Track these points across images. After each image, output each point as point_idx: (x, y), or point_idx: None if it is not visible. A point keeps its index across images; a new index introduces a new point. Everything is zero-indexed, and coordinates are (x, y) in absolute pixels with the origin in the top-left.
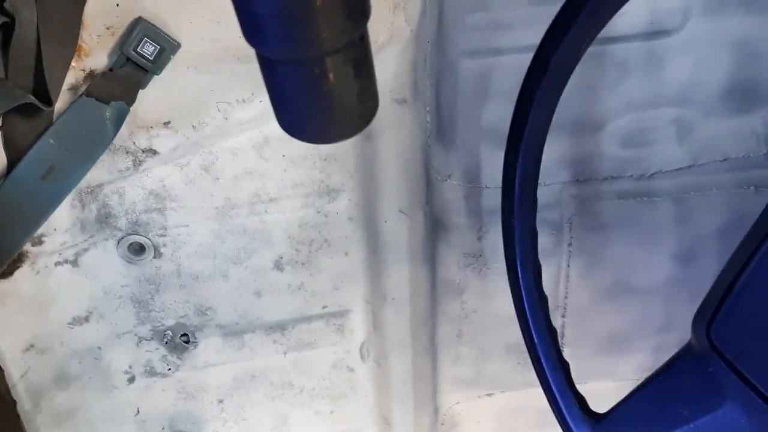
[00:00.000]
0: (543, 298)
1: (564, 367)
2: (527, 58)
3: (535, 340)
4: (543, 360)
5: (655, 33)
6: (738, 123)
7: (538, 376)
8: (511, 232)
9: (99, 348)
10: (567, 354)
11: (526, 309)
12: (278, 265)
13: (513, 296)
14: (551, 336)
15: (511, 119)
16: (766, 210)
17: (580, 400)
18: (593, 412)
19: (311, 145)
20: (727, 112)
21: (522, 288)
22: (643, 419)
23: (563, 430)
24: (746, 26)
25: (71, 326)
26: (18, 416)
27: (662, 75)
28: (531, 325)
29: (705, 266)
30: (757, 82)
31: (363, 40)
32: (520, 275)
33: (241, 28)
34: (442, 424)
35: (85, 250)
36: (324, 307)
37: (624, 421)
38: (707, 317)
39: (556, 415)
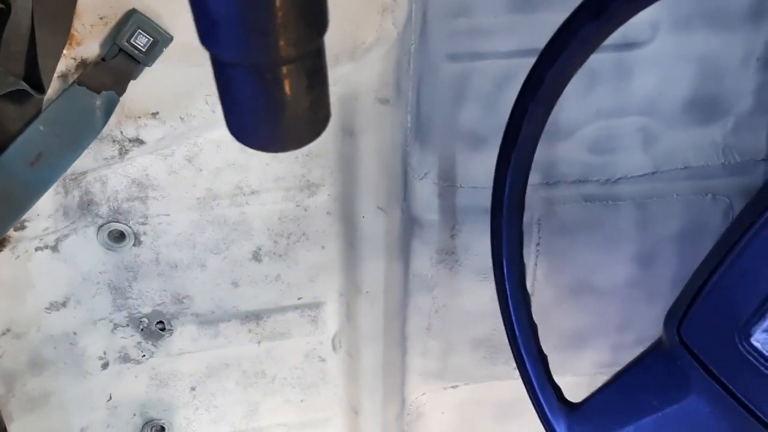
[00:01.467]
0: (526, 296)
1: (543, 360)
2: (506, 63)
3: (517, 334)
4: (524, 353)
5: (625, 45)
6: (699, 134)
7: (518, 367)
8: (500, 234)
9: (75, 333)
10: None
11: (510, 306)
12: (256, 256)
13: (498, 293)
14: (532, 331)
15: (505, 128)
16: (734, 222)
17: (557, 391)
18: (569, 401)
19: None
20: (690, 123)
21: (507, 286)
22: (615, 408)
23: (540, 418)
24: (711, 43)
25: (48, 311)
26: None
27: (630, 85)
28: (514, 320)
29: (663, 269)
30: (718, 96)
31: (319, 53)
32: (506, 274)
33: (197, 28)
34: (408, 414)
35: (66, 236)
36: (299, 298)
37: (597, 410)
38: (678, 316)
39: (534, 404)
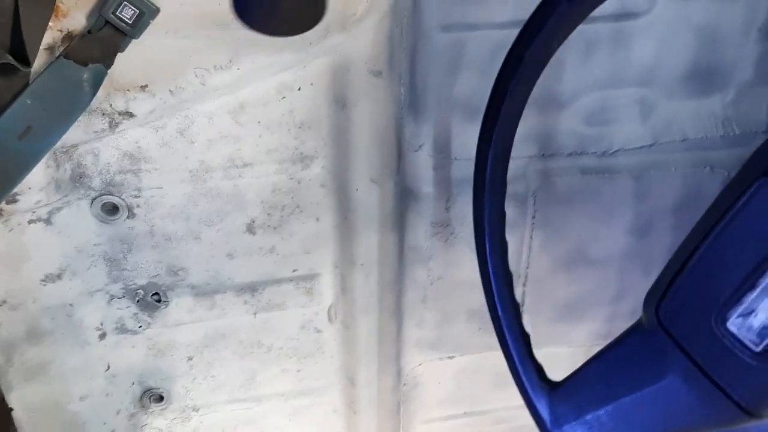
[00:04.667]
0: (508, 274)
1: (525, 339)
2: (499, 34)
3: (500, 313)
4: (506, 331)
5: (623, 15)
6: (698, 105)
7: (501, 346)
8: (482, 212)
9: (71, 305)
10: (526, 321)
11: (493, 284)
12: (250, 229)
13: (481, 272)
14: (514, 309)
15: (486, 107)
16: (713, 204)
17: (539, 369)
18: (550, 380)
19: (285, 112)
20: (688, 94)
21: (489, 265)
22: (595, 387)
23: (522, 396)
24: (710, 11)
25: (44, 283)
26: None
27: (628, 56)
28: (496, 299)
29: (659, 241)
30: (717, 66)
31: None
32: (488, 253)
33: None
34: (405, 384)
35: (59, 209)
36: (294, 270)
37: (578, 389)
38: (657, 297)
39: (516, 383)
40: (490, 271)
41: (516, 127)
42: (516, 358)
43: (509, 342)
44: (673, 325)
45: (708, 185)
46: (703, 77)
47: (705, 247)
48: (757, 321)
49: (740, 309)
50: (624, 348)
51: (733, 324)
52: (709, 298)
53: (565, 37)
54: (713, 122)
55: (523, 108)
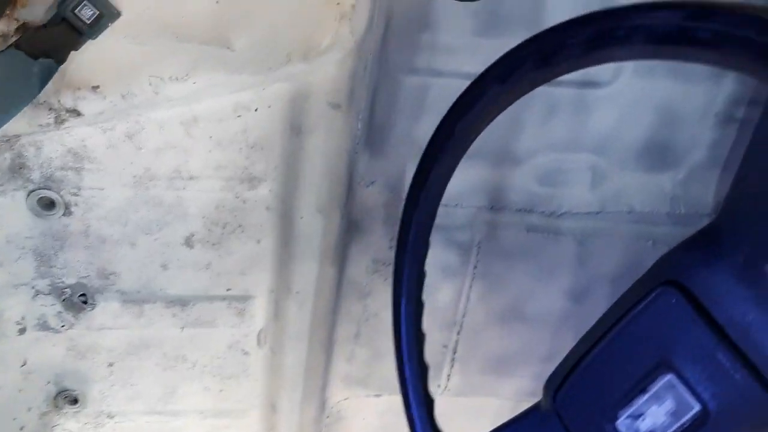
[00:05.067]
0: (420, 336)
1: (428, 403)
2: (464, 84)
3: (407, 376)
4: (410, 394)
5: (587, 83)
6: (648, 180)
7: (404, 407)
8: (401, 272)
9: None
10: (457, 369)
11: (404, 345)
12: (189, 242)
13: (393, 331)
14: (422, 373)
15: (415, 172)
16: (621, 298)
17: None
18: None
19: (239, 130)
20: (640, 167)
21: (402, 327)
22: None
23: None
24: (671, 92)
25: None
26: None
27: (587, 122)
28: (405, 360)
29: (594, 307)
30: (672, 145)
31: None
32: (402, 314)
33: None
34: (328, 416)
35: None
36: (228, 289)
37: None
38: (557, 383)
39: None
40: (402, 332)
41: (442, 194)
42: (417, 422)
43: (412, 404)
44: (568, 415)
45: (649, 259)
46: (657, 153)
47: (605, 343)
48: (644, 425)
49: (630, 410)
50: (521, 427)
51: (623, 424)
52: (603, 395)
53: (496, 115)
54: (661, 198)
55: (450, 176)
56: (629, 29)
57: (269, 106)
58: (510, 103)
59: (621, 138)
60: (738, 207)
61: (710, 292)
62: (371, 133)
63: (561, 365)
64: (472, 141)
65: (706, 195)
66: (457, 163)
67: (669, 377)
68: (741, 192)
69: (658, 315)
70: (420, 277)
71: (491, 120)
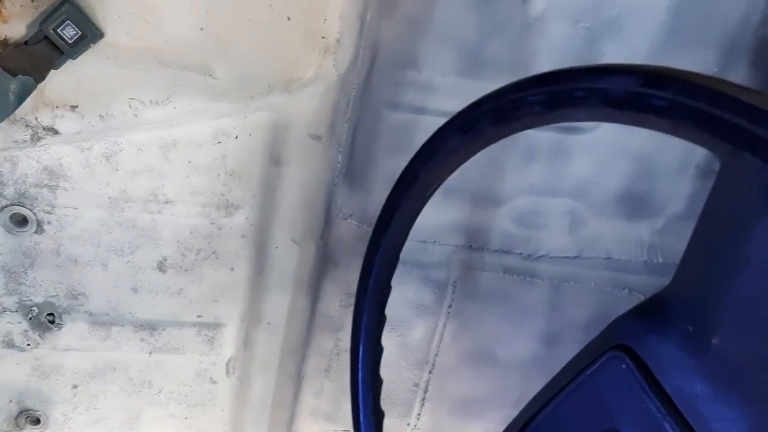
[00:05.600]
0: (377, 382)
1: None
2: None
3: (361, 419)
4: None
5: (569, 128)
6: (626, 228)
7: None
8: (360, 317)
9: None
10: (427, 408)
11: (360, 390)
12: (161, 266)
13: (351, 375)
14: (376, 419)
15: (378, 217)
16: (572, 359)
17: None
18: None
19: (218, 157)
20: (619, 215)
21: (360, 371)
22: None
23: None
24: (652, 142)
25: None
26: None
27: (567, 167)
28: (360, 406)
29: (567, 353)
30: (651, 194)
31: None
32: (360, 358)
33: None
34: None
35: None
36: (199, 316)
37: None
38: None
39: None
40: (360, 376)
41: (405, 238)
42: None
43: None
44: None
45: (623, 307)
46: (636, 202)
47: (553, 406)
48: None
49: None
50: None
51: None
52: None
53: (459, 164)
54: (639, 247)
55: (413, 221)
56: (587, 91)
57: (250, 135)
58: (472, 154)
59: (600, 184)
60: (689, 277)
61: (660, 360)
62: (351, 166)
63: (515, 420)
64: (435, 188)
65: (684, 246)
66: (420, 209)
67: None
68: (692, 263)
69: (607, 380)
70: (380, 321)
71: (454, 169)
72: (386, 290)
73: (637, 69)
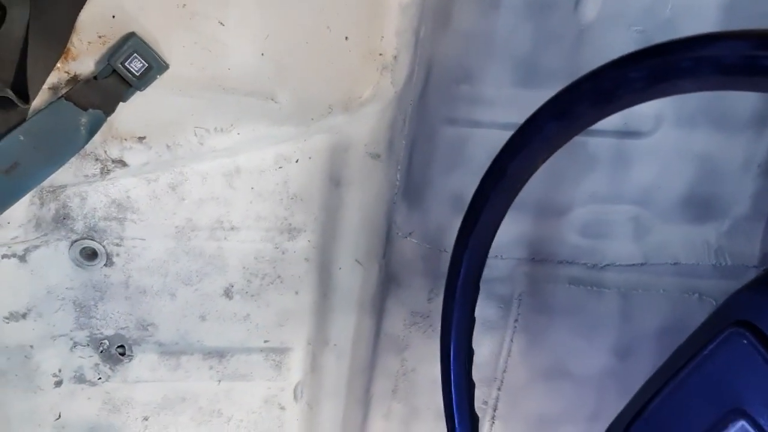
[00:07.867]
0: (471, 386)
1: None
2: (503, 135)
3: (456, 426)
4: None
5: (628, 133)
6: (692, 231)
7: None
8: (450, 317)
9: (31, 347)
10: (497, 427)
11: (453, 395)
12: (228, 293)
13: (442, 380)
14: (472, 424)
15: (465, 214)
16: (682, 345)
17: None
18: None
19: (280, 182)
20: (684, 219)
21: (452, 374)
22: None
23: None
24: (713, 143)
25: (7, 321)
26: None
27: (628, 174)
28: (455, 411)
29: (640, 364)
30: (715, 196)
31: None
32: (452, 362)
33: None
34: None
35: (36, 247)
36: (266, 341)
37: None
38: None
39: None
40: (452, 379)
41: (494, 235)
42: None
43: None
44: None
45: (695, 313)
46: (700, 205)
47: (667, 392)
48: None
49: None
50: None
51: None
52: None
53: (550, 154)
54: (706, 250)
55: (502, 217)
56: (694, 60)
57: (310, 158)
58: (565, 142)
59: (663, 189)
60: None
61: None
62: (409, 183)
63: (623, 413)
64: (524, 181)
65: (752, 246)
66: (509, 205)
67: (741, 424)
68: None
69: (729, 357)
70: (470, 322)
71: (545, 159)
72: (476, 290)
73: (747, 33)
